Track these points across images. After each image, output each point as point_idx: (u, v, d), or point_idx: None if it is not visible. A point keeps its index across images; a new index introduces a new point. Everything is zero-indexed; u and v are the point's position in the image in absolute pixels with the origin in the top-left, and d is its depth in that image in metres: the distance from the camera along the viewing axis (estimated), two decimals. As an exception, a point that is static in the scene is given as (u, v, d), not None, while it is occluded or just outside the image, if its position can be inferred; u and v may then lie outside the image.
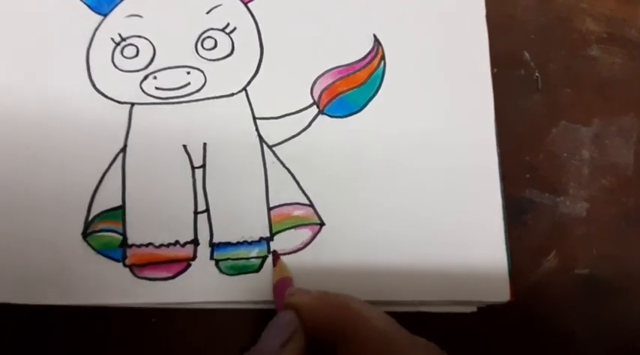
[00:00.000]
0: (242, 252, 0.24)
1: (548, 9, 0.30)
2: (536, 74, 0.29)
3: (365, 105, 0.26)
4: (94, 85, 0.26)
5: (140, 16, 0.26)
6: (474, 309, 0.25)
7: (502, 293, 0.24)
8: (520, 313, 0.25)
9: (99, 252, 0.24)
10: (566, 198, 0.28)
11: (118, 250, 0.24)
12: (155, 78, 0.26)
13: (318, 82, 0.26)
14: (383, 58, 0.27)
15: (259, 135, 0.26)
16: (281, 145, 0.26)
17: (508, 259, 0.25)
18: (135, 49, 0.26)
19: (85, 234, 0.24)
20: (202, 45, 0.26)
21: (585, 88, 0.29)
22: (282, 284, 0.22)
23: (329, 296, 0.20)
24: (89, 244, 0.24)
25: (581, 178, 0.28)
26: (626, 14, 0.31)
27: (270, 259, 0.24)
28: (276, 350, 0.18)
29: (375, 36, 0.27)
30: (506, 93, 0.28)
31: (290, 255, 0.24)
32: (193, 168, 0.25)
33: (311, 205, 0.25)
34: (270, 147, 0.26)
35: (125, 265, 0.24)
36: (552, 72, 0.29)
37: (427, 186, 0.25)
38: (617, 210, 0.28)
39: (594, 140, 0.29)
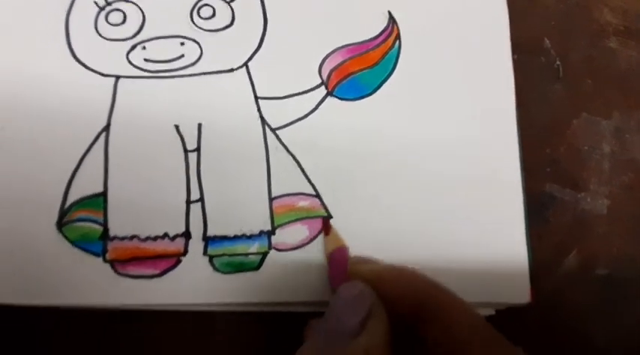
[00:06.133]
0: (240, 247, 0.22)
1: (568, -4, 0.29)
2: (557, 62, 0.27)
3: (377, 88, 0.24)
4: (73, 55, 0.23)
5: (128, -22, 0.23)
6: (492, 312, 0.23)
7: (522, 295, 0.22)
8: (538, 315, 0.24)
9: (76, 244, 0.21)
10: (587, 194, 0.26)
11: (98, 243, 0.21)
12: (144, 48, 0.23)
13: (327, 61, 0.24)
14: (398, 37, 0.25)
15: (261, 117, 0.23)
16: (285, 128, 0.23)
17: (529, 258, 0.23)
18: (121, 15, 0.23)
19: (61, 224, 0.21)
20: (199, 13, 0.23)
21: (605, 79, 0.28)
22: (339, 254, 0.20)
23: (402, 269, 0.17)
24: (64, 236, 0.21)
25: (602, 174, 0.27)
26: (640, 8, 0.29)
27: (271, 255, 0.22)
28: (356, 329, 0.15)
29: (390, 13, 0.25)
30: (527, 81, 0.26)
31: (293, 251, 0.22)
32: (186, 151, 0.22)
33: (317, 196, 0.23)
34: (273, 130, 0.23)
35: (105, 260, 0.21)
36: (573, 61, 0.28)
37: (443, 178, 0.23)
38: (637, 208, 0.26)
39: (615, 134, 0.27)
